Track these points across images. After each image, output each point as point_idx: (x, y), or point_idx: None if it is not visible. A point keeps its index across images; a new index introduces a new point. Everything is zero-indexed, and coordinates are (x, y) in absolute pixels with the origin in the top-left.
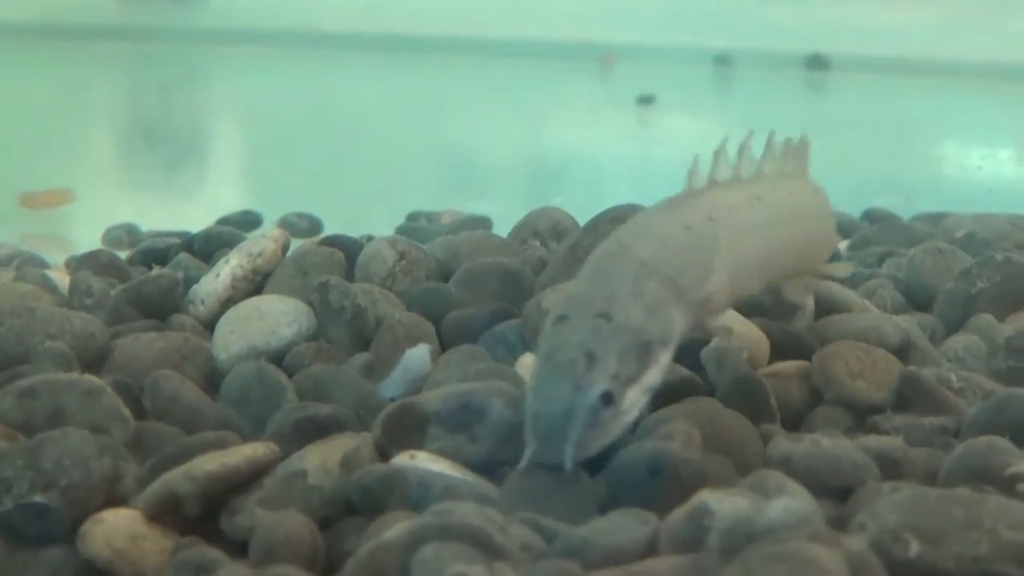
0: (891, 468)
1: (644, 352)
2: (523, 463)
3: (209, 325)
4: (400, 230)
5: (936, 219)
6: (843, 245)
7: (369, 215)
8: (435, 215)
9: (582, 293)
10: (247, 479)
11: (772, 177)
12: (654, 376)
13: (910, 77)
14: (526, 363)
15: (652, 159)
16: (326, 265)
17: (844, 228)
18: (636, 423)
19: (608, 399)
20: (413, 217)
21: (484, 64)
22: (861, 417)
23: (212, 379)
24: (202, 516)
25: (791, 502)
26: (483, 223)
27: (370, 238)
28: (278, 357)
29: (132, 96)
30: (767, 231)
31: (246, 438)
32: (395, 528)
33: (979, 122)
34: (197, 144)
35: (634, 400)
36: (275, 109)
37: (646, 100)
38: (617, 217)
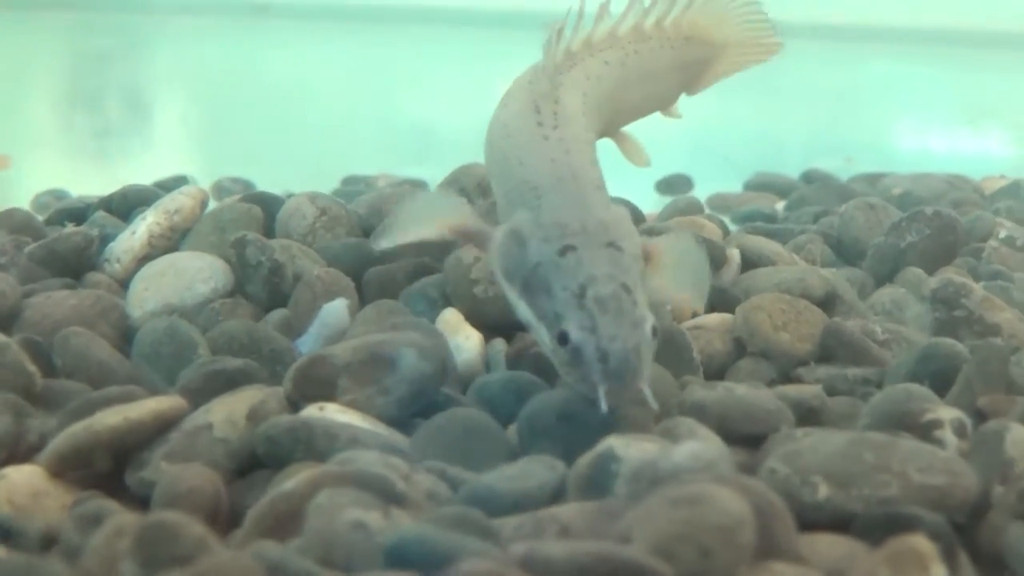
0: (809, 416)
1: (643, 279)
2: (602, 405)
3: (126, 284)
4: (336, 194)
5: (874, 179)
6: (780, 206)
7: (307, 180)
8: (371, 179)
9: (572, 221)
10: (152, 434)
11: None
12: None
13: (859, 43)
14: (447, 318)
15: None
16: (244, 221)
17: (781, 189)
18: None
19: (655, 331)
20: (349, 181)
21: (430, 33)
22: (785, 369)
23: (126, 337)
24: (108, 472)
25: (697, 446)
26: (419, 186)
27: (292, 195)
28: (194, 314)
29: (72, 65)
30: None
31: (156, 394)
32: (295, 478)
33: (925, 87)
34: (136, 112)
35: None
36: (218, 78)
37: None
38: None
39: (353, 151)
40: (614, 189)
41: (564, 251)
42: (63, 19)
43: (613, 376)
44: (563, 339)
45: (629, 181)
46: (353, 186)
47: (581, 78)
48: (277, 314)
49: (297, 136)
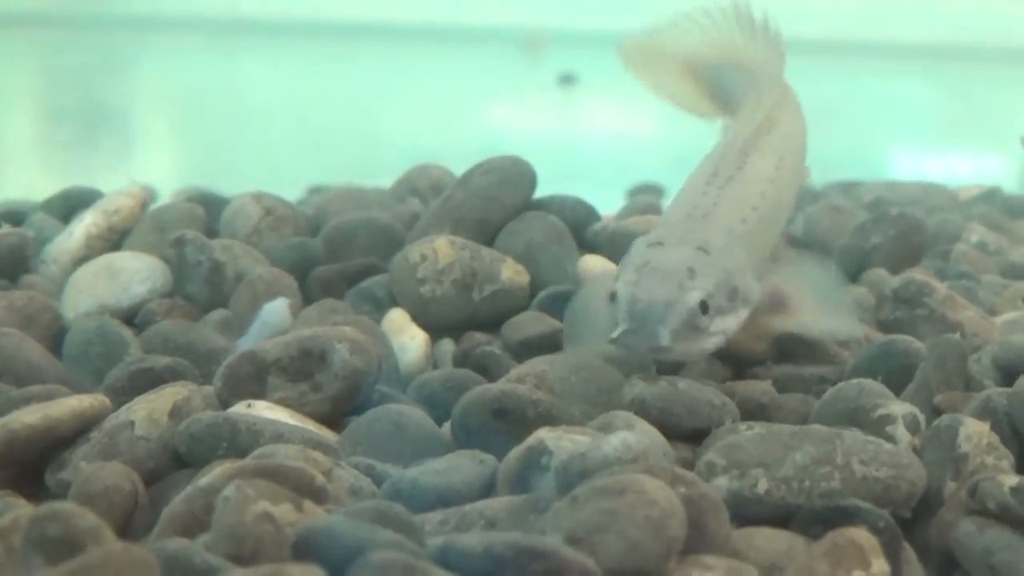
0: (759, 413)
1: (732, 295)
2: (614, 337)
3: (63, 285)
4: (299, 203)
5: (848, 187)
6: None
7: (274, 191)
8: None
9: (672, 233)
10: (73, 433)
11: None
12: (732, 324)
13: (839, 58)
14: (392, 318)
15: (576, 140)
16: (184, 221)
17: None
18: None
19: (705, 308)
20: (314, 191)
21: (407, 50)
22: (741, 368)
23: (61, 339)
24: (28, 473)
25: (628, 436)
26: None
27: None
28: (130, 315)
29: (50, 80)
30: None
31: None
32: (212, 473)
33: (905, 101)
34: (113, 127)
35: (719, 330)
36: (193, 95)
37: (568, 80)
38: (491, 170)
39: (324, 164)
40: (584, 193)
41: (652, 244)
42: (40, 36)
43: (635, 318)
44: (613, 295)
45: (601, 189)
46: (317, 196)
47: (773, 154)
48: (217, 314)
49: (269, 150)
